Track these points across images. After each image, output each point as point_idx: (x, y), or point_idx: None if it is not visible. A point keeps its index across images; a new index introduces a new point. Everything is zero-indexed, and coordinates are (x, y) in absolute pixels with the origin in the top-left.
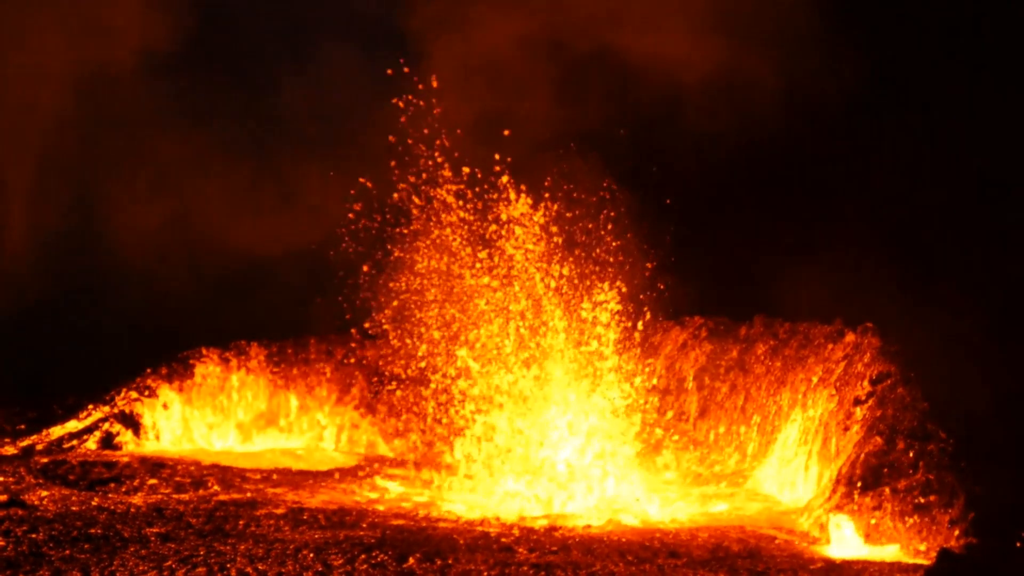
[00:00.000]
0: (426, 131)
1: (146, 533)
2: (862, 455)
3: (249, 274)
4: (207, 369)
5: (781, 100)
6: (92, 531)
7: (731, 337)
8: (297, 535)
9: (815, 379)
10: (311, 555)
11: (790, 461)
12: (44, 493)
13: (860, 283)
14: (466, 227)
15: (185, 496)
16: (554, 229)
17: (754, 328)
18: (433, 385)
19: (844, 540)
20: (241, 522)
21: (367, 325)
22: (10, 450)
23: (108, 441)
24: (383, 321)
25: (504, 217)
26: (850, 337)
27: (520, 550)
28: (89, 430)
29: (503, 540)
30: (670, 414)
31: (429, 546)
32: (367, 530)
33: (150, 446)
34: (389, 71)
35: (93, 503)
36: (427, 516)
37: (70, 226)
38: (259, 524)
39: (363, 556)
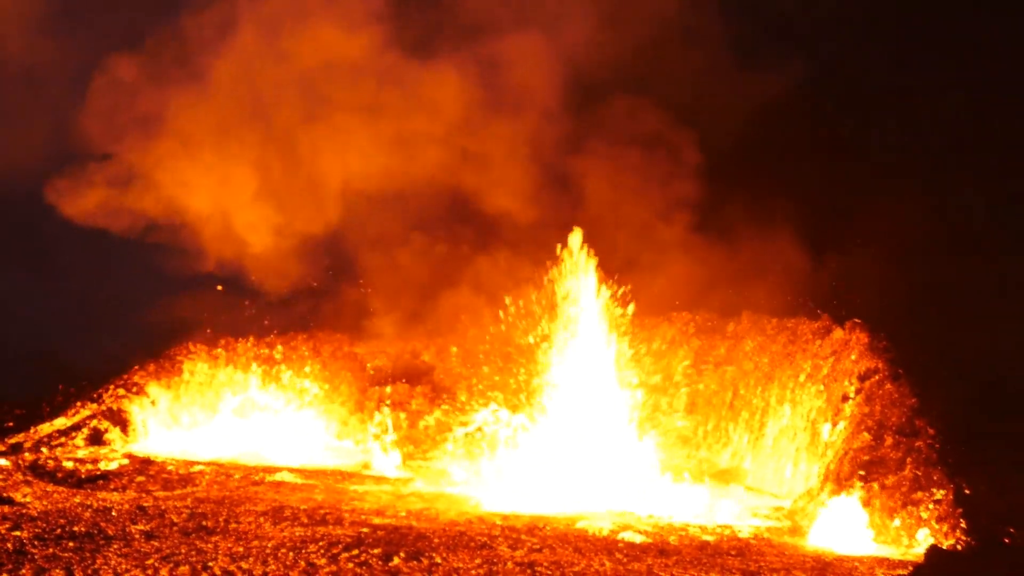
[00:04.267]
0: None
1: (130, 531)
2: (850, 451)
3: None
4: (195, 366)
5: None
6: (76, 529)
7: (719, 333)
8: (278, 532)
9: (803, 375)
10: (291, 554)
11: (779, 457)
12: (30, 490)
13: (849, 279)
14: None
15: (170, 493)
16: None
17: (742, 324)
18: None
19: (833, 536)
20: (223, 519)
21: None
22: None
23: (96, 438)
24: None
25: None
26: (838, 333)
27: (503, 548)
28: (77, 427)
29: (485, 538)
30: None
31: (409, 544)
32: (347, 528)
33: (138, 443)
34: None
35: (78, 500)
36: (409, 512)
37: None
38: (240, 522)
39: (345, 555)
